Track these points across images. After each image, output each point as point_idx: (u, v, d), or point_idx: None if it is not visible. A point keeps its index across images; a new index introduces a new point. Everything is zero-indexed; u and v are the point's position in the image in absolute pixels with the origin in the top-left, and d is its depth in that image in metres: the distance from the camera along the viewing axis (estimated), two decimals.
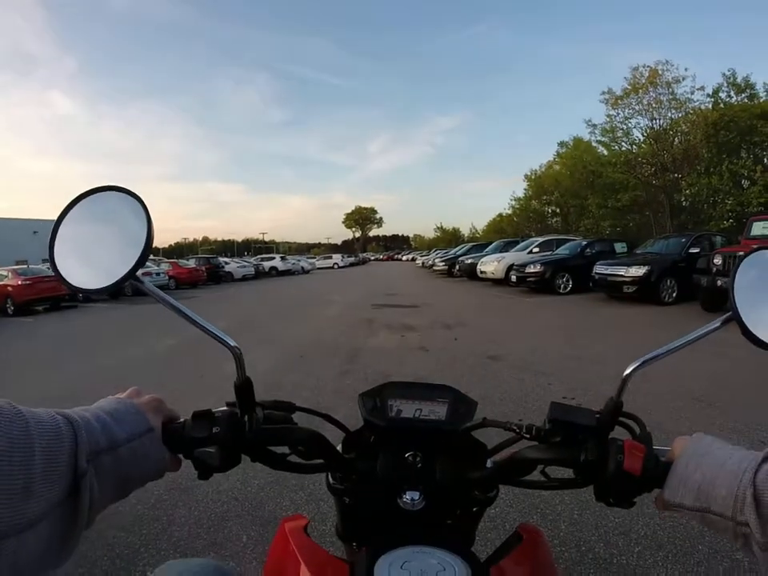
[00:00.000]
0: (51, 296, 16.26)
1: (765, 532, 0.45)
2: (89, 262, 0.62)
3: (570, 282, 13.95)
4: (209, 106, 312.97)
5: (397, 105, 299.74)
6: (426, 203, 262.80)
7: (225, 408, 0.67)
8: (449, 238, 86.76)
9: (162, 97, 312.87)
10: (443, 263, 26.23)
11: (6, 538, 0.38)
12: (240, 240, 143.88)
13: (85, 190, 0.62)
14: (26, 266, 18.21)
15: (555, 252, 16.34)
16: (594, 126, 29.63)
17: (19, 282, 15.48)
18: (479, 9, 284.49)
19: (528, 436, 0.65)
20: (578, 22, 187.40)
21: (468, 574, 0.59)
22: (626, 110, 28.21)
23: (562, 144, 42.16)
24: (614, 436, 0.63)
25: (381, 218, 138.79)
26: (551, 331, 8.16)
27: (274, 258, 37.40)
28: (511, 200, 47.68)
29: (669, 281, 11.01)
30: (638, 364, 0.63)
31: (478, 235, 66.40)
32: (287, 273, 36.20)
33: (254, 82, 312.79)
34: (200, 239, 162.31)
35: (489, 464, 0.73)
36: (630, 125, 28.65)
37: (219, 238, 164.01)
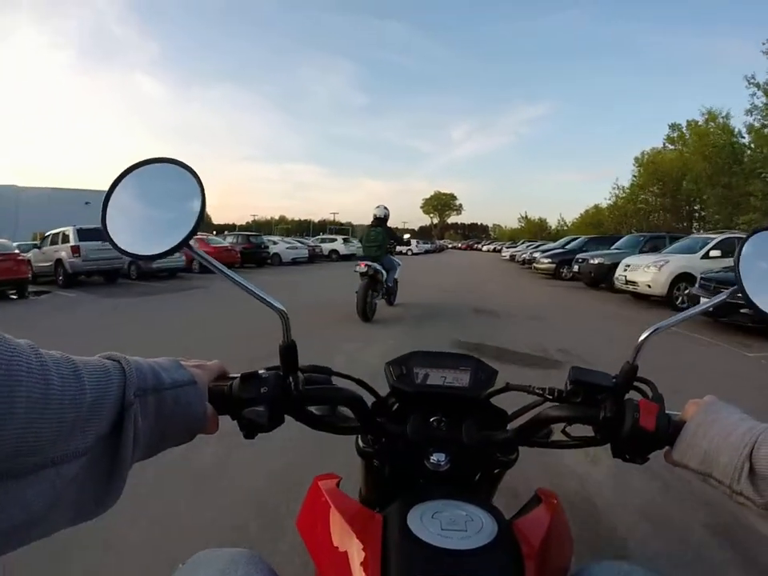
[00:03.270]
0: (9, 279, 11.65)
1: (756, 502, 0.52)
2: (141, 229, 0.64)
3: None
4: (292, 90, 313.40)
5: (481, 92, 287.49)
6: (507, 193, 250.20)
7: (268, 370, 0.69)
8: (534, 229, 79.07)
9: (246, 82, 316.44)
10: (549, 260, 19.18)
11: (45, 468, 0.40)
12: (317, 221, 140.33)
13: (138, 161, 0.64)
14: None
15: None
16: (758, 85, 21.98)
17: None
18: None
19: (551, 397, 0.72)
20: (675, 16, 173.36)
21: (494, 525, 0.63)
22: None
23: (673, 127, 35.33)
24: (629, 397, 0.68)
25: (461, 205, 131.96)
26: None
27: (335, 240, 32.04)
28: (614, 188, 40.18)
29: None
30: (651, 330, 0.69)
31: (566, 228, 59.23)
32: (351, 257, 30.71)
33: (337, 67, 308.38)
34: (277, 218, 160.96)
35: (508, 428, 0.78)
36: None
37: (296, 218, 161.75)
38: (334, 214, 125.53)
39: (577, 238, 21.77)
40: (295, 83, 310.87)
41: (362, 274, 8.03)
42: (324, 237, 35.40)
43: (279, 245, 25.99)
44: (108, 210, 0.62)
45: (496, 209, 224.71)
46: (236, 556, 0.72)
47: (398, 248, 10.51)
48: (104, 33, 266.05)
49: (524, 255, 26.64)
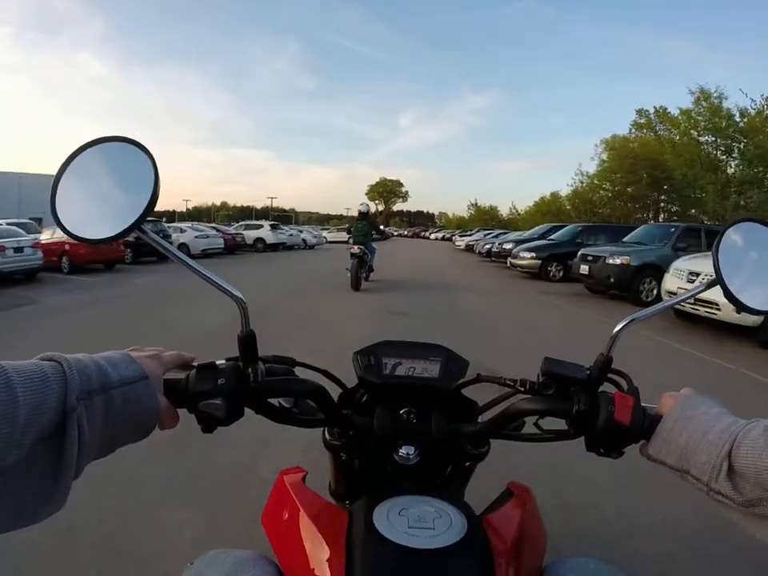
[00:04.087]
0: None
1: (735, 500, 0.50)
2: (92, 211, 0.60)
3: None
4: (239, 71, 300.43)
5: (429, 80, 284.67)
6: (454, 181, 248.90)
7: (228, 361, 0.66)
8: (484, 217, 75.66)
9: (192, 62, 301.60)
10: (532, 255, 14.16)
11: None
12: (259, 207, 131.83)
13: (90, 140, 0.60)
14: None
15: None
16: None
17: None
18: None
19: (522, 389, 0.68)
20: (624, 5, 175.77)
21: (463, 521, 0.60)
22: None
23: (640, 112, 32.27)
24: (603, 390, 0.64)
25: (407, 192, 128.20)
26: None
27: (261, 227, 26.38)
28: (577, 174, 36.81)
29: None
30: (627, 322, 0.66)
31: (518, 216, 56.20)
32: (281, 247, 25.98)
33: (286, 50, 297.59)
34: (219, 204, 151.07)
35: (480, 420, 0.75)
36: None
37: (239, 204, 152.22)
38: (272, 198, 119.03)
39: (562, 226, 17.13)
40: (243, 65, 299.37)
41: (354, 255, 10.32)
42: (248, 223, 29.47)
43: (187, 233, 20.73)
44: (58, 191, 0.58)
45: (442, 197, 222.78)
46: (243, 557, 0.69)
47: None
48: (44, 8, 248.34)
49: (487, 246, 21.90)
